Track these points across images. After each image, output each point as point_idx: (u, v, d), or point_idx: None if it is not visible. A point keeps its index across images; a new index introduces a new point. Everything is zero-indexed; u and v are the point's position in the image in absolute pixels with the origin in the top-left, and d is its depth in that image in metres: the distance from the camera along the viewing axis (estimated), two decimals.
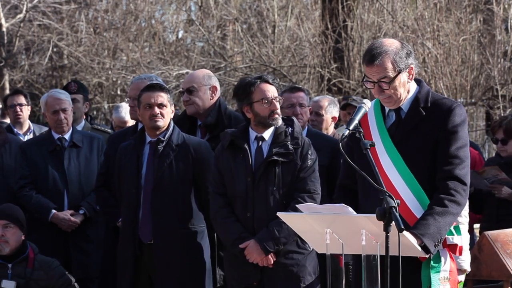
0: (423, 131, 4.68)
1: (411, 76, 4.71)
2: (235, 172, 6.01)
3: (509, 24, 15.25)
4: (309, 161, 5.98)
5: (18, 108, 8.88)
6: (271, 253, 5.92)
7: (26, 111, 8.96)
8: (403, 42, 4.78)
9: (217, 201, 6.07)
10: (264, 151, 6.02)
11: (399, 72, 4.64)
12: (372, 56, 4.63)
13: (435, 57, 14.10)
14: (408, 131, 4.70)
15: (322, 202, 5.91)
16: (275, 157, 5.95)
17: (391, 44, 4.68)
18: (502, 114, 13.25)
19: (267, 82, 6.05)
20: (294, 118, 6.19)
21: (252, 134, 6.07)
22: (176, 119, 7.09)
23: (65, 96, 7.54)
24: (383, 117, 4.79)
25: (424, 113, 4.71)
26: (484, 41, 15.13)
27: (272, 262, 5.94)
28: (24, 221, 6.83)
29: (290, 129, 6.04)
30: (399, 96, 4.69)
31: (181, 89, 7.09)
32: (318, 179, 6.02)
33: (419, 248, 4.41)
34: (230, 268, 6.14)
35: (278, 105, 6.01)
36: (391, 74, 4.63)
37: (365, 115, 4.79)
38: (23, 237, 6.77)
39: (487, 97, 15.02)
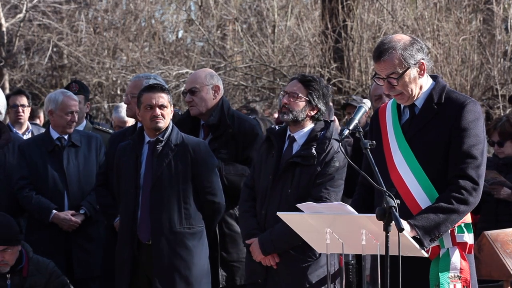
0: (435, 128, 4.65)
1: (422, 71, 4.67)
2: (263, 168, 6.02)
3: (509, 24, 15.24)
4: (331, 168, 5.86)
5: (20, 109, 8.90)
6: (274, 255, 5.91)
7: (27, 112, 8.99)
8: (415, 38, 4.74)
9: (244, 193, 6.14)
10: (293, 152, 5.97)
11: (408, 68, 4.61)
12: (379, 52, 4.62)
13: (435, 57, 14.09)
14: (420, 127, 4.68)
15: None
16: (295, 159, 5.91)
17: (399, 39, 4.65)
18: (502, 114, 13.25)
19: (297, 79, 6.03)
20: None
21: (288, 133, 6.07)
22: (179, 118, 7.08)
23: (77, 98, 7.69)
24: (398, 114, 4.78)
25: (437, 109, 4.67)
26: (484, 41, 15.12)
27: (275, 263, 5.93)
28: (19, 233, 6.76)
29: (322, 133, 5.97)
30: (410, 92, 4.67)
31: (183, 90, 7.07)
32: (338, 188, 5.89)
33: (416, 244, 4.40)
34: (246, 261, 6.16)
35: (286, 100, 5.91)
36: (399, 69, 4.60)
37: (383, 113, 4.79)
38: (19, 248, 6.74)
39: (487, 97, 15.00)
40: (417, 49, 4.65)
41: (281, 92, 6.06)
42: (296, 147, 5.97)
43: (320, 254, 5.89)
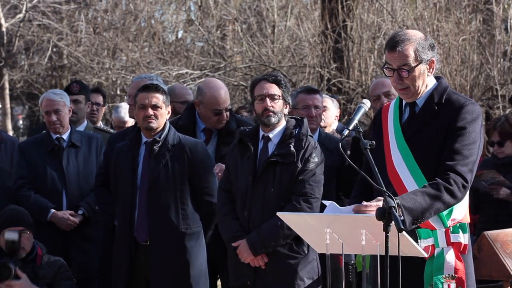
0: (434, 128, 4.65)
1: (431, 69, 4.69)
2: (240, 170, 6.02)
3: (508, 24, 15.24)
4: (311, 164, 5.92)
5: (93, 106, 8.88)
6: (263, 255, 5.91)
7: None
8: (427, 35, 4.76)
9: (220, 197, 6.12)
10: (270, 152, 6.00)
11: (420, 62, 4.62)
12: (395, 42, 4.61)
13: None
14: (419, 127, 4.68)
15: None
16: (275, 158, 5.93)
17: (415, 34, 4.67)
18: (502, 114, 13.25)
19: (266, 80, 6.04)
20: (305, 119, 6.14)
21: (261, 133, 6.06)
22: (177, 125, 6.99)
23: (60, 97, 7.49)
24: (400, 113, 4.78)
25: (437, 110, 4.67)
26: (483, 41, 15.12)
27: (263, 263, 5.93)
28: (32, 222, 6.88)
29: (296, 130, 6.01)
30: (416, 88, 4.67)
31: (217, 112, 6.86)
32: (320, 183, 5.96)
33: (416, 245, 4.39)
34: (230, 265, 6.16)
35: (270, 103, 5.97)
36: (412, 63, 4.61)
37: (386, 112, 4.79)
38: (32, 237, 6.85)
39: (487, 97, 15.01)
40: (430, 46, 4.67)
41: (258, 97, 6.02)
42: (272, 146, 6.01)
43: (308, 250, 5.91)
